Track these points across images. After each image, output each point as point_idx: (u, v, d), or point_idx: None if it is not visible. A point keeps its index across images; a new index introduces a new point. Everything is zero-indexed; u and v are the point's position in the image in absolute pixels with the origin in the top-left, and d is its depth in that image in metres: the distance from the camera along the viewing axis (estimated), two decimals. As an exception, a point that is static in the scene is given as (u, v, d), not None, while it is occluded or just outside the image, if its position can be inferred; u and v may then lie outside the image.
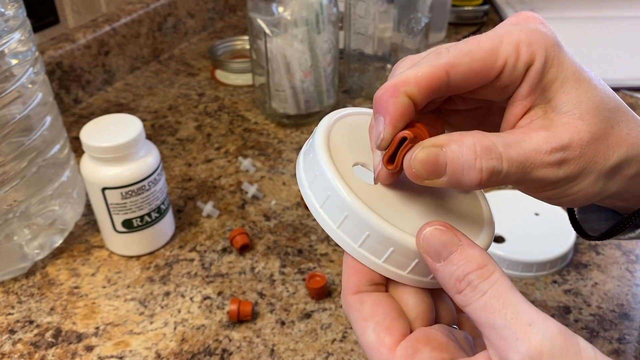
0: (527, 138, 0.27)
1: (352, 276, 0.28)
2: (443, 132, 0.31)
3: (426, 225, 0.27)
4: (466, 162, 0.26)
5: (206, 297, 0.54)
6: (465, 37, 0.33)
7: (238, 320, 0.51)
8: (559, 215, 0.59)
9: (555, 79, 0.28)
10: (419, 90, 0.27)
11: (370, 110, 0.31)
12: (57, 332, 0.51)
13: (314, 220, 0.61)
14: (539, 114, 0.28)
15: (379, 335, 0.26)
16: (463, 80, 0.27)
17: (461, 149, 0.26)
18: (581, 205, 0.30)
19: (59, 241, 0.58)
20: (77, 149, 0.68)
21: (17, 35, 0.51)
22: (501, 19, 1.06)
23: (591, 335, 0.50)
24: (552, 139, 0.27)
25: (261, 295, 0.54)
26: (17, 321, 0.52)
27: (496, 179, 0.26)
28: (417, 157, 0.26)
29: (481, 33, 0.29)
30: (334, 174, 0.28)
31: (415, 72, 0.27)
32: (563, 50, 0.28)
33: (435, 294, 0.30)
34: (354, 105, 0.82)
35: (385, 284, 0.29)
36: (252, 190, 0.65)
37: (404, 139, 0.27)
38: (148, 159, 0.54)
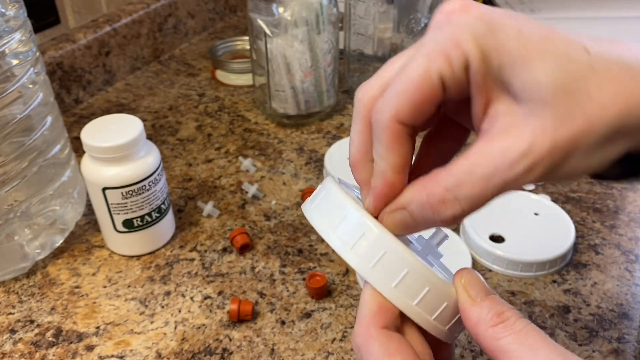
0: (482, 158, 0.25)
1: (379, 312, 0.28)
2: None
3: (463, 268, 0.29)
4: (428, 218, 0.27)
5: (206, 297, 0.54)
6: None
7: (238, 319, 0.51)
8: (558, 215, 0.59)
9: (501, 66, 0.25)
10: (392, 162, 0.28)
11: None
12: (58, 332, 0.51)
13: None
14: (502, 109, 0.26)
15: None
16: (417, 116, 0.27)
17: (419, 208, 0.27)
18: (582, 176, 0.27)
19: (59, 241, 0.59)
20: (78, 149, 0.69)
21: (17, 36, 0.51)
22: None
23: (590, 335, 0.50)
24: (510, 149, 0.25)
25: (261, 294, 0.54)
26: (18, 321, 0.52)
27: (463, 217, 0.27)
28: (388, 223, 0.28)
29: None
30: (342, 192, 0.29)
31: (377, 150, 0.28)
32: (500, 31, 0.25)
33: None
34: (354, 106, 0.82)
35: (401, 331, 0.29)
36: (252, 190, 0.65)
37: None
38: (148, 159, 0.54)
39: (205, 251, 0.59)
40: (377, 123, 0.28)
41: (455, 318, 0.29)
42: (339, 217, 0.29)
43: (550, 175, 0.25)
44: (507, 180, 0.25)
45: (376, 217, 0.29)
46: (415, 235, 0.34)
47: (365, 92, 0.29)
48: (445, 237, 0.33)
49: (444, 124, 0.32)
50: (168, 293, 0.54)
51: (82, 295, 0.54)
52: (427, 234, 0.32)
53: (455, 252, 0.55)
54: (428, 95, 0.26)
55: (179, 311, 0.52)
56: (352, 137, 0.30)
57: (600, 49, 0.25)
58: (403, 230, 0.29)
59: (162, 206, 0.57)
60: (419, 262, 0.28)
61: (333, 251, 0.58)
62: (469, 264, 0.54)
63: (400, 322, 0.29)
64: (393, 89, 0.27)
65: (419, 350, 0.28)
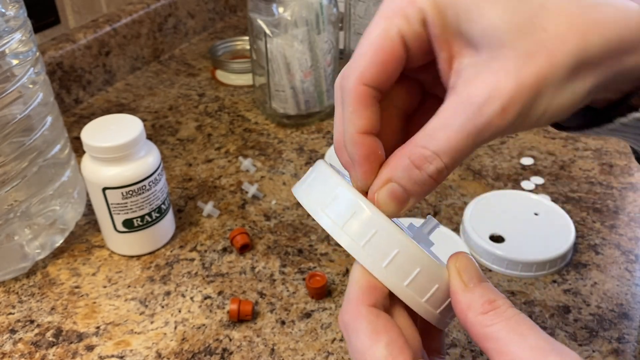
0: (452, 111, 0.25)
1: (368, 290, 0.28)
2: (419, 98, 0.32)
3: (459, 252, 0.28)
4: (416, 179, 0.27)
5: (206, 297, 0.54)
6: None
7: (238, 319, 0.51)
8: (558, 215, 0.59)
9: (457, 16, 0.25)
10: (362, 126, 0.28)
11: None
12: (58, 332, 0.51)
13: (314, 220, 0.62)
14: (465, 62, 0.26)
15: (392, 352, 0.26)
16: (381, 77, 0.27)
17: (404, 173, 0.27)
18: (565, 116, 0.27)
19: (59, 241, 0.59)
20: (78, 149, 0.69)
21: (17, 36, 0.51)
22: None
23: (590, 335, 0.50)
24: (476, 94, 0.25)
25: (261, 294, 0.54)
26: (18, 321, 0.52)
27: (448, 172, 0.27)
28: (381, 202, 0.28)
29: None
30: (345, 184, 0.29)
31: (346, 119, 0.28)
32: None
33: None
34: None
35: (390, 312, 0.29)
36: (252, 190, 0.65)
37: None
38: (148, 159, 0.54)
39: (205, 251, 0.59)
40: (343, 89, 0.28)
41: (447, 302, 0.28)
42: (329, 196, 0.29)
43: (524, 118, 0.25)
44: (479, 126, 0.25)
45: (366, 194, 0.29)
46: (406, 223, 0.34)
47: (341, 77, 0.29)
48: (437, 225, 0.32)
49: (424, 101, 0.32)
50: (168, 293, 0.54)
51: (82, 295, 0.54)
52: (418, 223, 0.33)
53: (455, 252, 0.55)
54: (390, 53, 0.27)
55: (179, 311, 0.52)
56: (335, 122, 0.30)
57: None
58: (398, 204, 0.28)
59: (162, 206, 0.57)
60: (411, 242, 0.27)
61: (333, 251, 0.58)
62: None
63: (390, 304, 0.28)
64: (356, 53, 0.27)
65: (408, 334, 0.28)
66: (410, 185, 0.27)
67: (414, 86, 0.32)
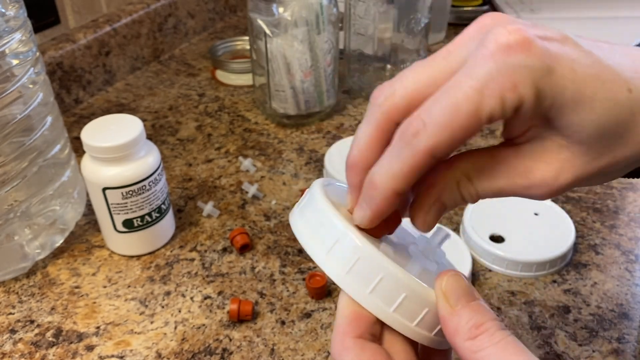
0: (503, 163, 0.27)
1: (354, 320, 0.27)
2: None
3: (446, 271, 0.27)
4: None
5: (206, 297, 0.54)
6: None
7: (238, 319, 0.51)
8: (558, 215, 0.59)
9: (551, 106, 0.25)
10: (406, 186, 0.26)
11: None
12: (58, 332, 0.51)
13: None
14: (539, 132, 0.27)
15: None
16: (448, 152, 0.26)
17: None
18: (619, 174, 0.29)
19: (59, 241, 0.59)
20: (78, 149, 0.69)
21: (17, 36, 0.51)
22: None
23: (590, 335, 0.50)
24: (535, 171, 0.27)
25: (261, 294, 0.54)
26: (18, 321, 0.52)
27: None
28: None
29: None
30: (335, 213, 0.28)
31: (397, 170, 0.26)
32: (556, 71, 0.24)
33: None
34: (354, 106, 0.82)
35: (380, 339, 0.28)
36: (252, 190, 0.65)
37: None
38: (148, 159, 0.54)
39: (205, 251, 0.59)
40: (406, 144, 0.25)
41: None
42: (316, 223, 0.28)
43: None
44: (516, 193, 0.27)
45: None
46: (416, 234, 0.33)
47: (386, 98, 0.27)
48: (448, 235, 0.32)
49: None
50: (168, 293, 0.54)
51: (82, 295, 0.54)
52: (428, 234, 0.32)
53: (455, 252, 0.55)
54: (471, 133, 0.25)
55: (179, 311, 0.52)
56: (359, 138, 0.28)
57: None
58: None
59: (162, 206, 0.57)
60: (396, 267, 0.27)
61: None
62: (468, 264, 0.54)
63: (383, 331, 0.28)
64: (435, 117, 0.25)
65: (402, 358, 0.28)
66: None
67: None
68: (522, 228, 0.58)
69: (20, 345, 0.50)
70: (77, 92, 0.82)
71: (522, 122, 0.27)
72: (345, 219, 0.28)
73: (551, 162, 0.26)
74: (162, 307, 0.53)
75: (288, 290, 0.54)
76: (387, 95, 0.27)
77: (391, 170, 0.26)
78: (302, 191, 0.65)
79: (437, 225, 0.31)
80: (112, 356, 0.49)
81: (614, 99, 0.25)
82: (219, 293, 0.54)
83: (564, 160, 0.26)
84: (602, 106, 0.25)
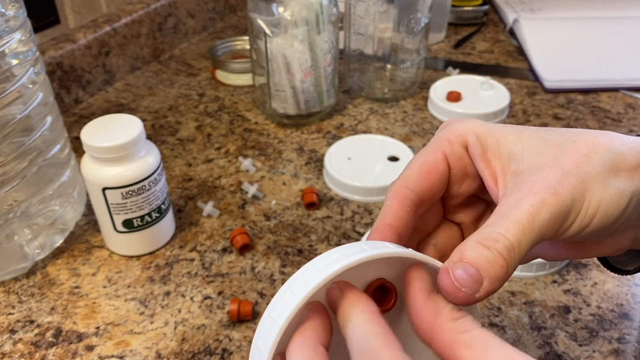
0: (508, 209, 0.28)
1: None
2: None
3: (410, 267, 0.28)
4: (487, 257, 0.27)
5: (206, 297, 0.54)
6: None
7: (238, 319, 0.51)
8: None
9: (498, 141, 0.31)
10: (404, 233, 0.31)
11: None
12: (58, 332, 0.51)
13: (314, 220, 0.62)
14: (510, 177, 0.30)
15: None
16: (423, 185, 0.32)
17: (474, 251, 0.27)
18: (616, 214, 0.30)
19: (59, 241, 0.59)
20: (78, 149, 0.69)
21: (17, 36, 0.51)
22: (501, 19, 1.07)
23: (591, 335, 0.50)
24: (525, 198, 0.28)
25: (261, 295, 0.54)
26: (18, 321, 0.52)
27: (518, 254, 0.27)
28: (458, 277, 0.26)
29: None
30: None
31: (389, 225, 0.31)
32: (497, 129, 0.31)
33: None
34: (354, 105, 0.82)
35: None
36: (252, 190, 0.65)
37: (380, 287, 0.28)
38: (148, 159, 0.54)
39: (205, 251, 0.59)
40: (390, 189, 0.32)
41: None
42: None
43: (575, 216, 0.29)
44: (529, 220, 0.29)
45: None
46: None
47: (392, 182, 0.33)
48: None
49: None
50: (168, 293, 0.54)
51: (82, 296, 0.54)
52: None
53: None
54: (433, 166, 0.32)
55: (179, 311, 0.52)
56: (383, 210, 0.32)
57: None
58: (473, 282, 0.26)
59: (162, 206, 0.57)
60: None
61: (333, 251, 0.58)
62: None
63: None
64: (408, 165, 0.33)
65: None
66: (480, 261, 0.26)
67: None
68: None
69: (20, 346, 0.50)
70: (77, 92, 0.82)
71: (484, 164, 0.32)
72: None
73: (534, 185, 0.29)
74: (162, 307, 0.53)
75: (288, 291, 0.54)
76: (394, 181, 0.33)
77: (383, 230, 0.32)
78: (302, 191, 0.65)
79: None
80: (112, 356, 0.49)
81: (538, 130, 0.32)
82: (219, 293, 0.54)
83: (543, 178, 0.29)
84: (537, 130, 0.31)
